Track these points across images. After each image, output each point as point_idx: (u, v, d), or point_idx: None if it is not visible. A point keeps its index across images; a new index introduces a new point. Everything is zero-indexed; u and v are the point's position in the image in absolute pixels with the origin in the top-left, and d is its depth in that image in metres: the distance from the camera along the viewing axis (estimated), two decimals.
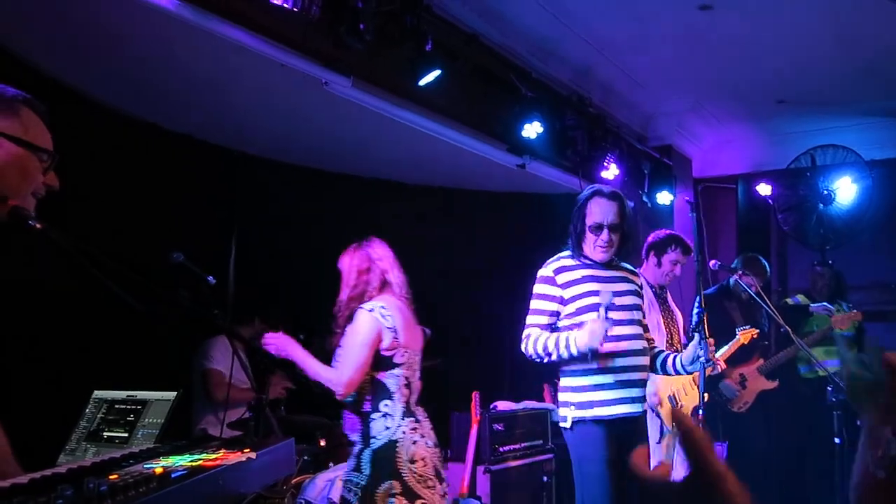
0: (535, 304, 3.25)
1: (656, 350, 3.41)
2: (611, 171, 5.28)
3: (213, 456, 1.51)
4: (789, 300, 5.80)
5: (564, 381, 3.22)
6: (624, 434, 3.08)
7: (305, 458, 3.97)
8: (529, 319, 3.25)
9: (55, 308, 3.47)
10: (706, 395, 4.24)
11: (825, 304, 5.06)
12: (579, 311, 3.12)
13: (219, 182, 4.70)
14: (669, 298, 4.12)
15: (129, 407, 2.23)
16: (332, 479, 3.60)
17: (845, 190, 6.12)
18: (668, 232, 4.31)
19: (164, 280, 2.72)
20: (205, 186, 4.60)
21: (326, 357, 3.06)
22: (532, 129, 4.54)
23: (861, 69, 5.24)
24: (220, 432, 3.72)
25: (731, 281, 5.03)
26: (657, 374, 3.42)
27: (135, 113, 4.16)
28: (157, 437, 2.20)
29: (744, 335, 4.26)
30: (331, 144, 4.87)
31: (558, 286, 3.19)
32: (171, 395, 2.22)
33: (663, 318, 4.09)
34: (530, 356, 3.21)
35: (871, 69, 5.23)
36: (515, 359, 6.20)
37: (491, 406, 5.00)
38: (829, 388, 4.47)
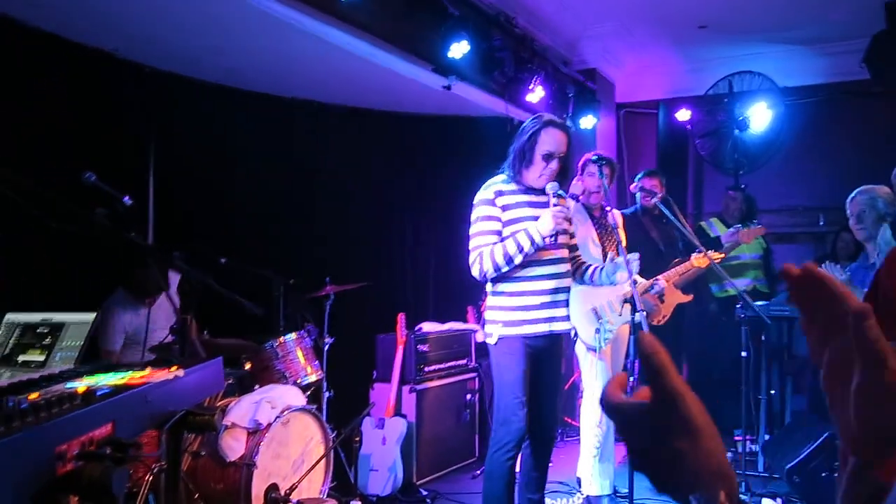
0: (480, 225, 3.26)
1: (582, 263, 3.52)
2: (536, 94, 5.27)
3: (140, 374, 1.48)
4: (703, 223, 6.02)
5: (492, 301, 3.31)
6: (543, 349, 3.27)
7: (230, 381, 3.94)
8: (476, 241, 3.25)
9: None
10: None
11: (731, 229, 5.27)
12: (512, 236, 3.18)
13: (131, 101, 4.46)
14: (611, 216, 4.14)
15: (44, 330, 2.14)
16: (258, 402, 3.60)
17: (760, 116, 6.31)
18: (595, 152, 4.39)
19: (78, 201, 2.61)
20: (116, 105, 4.37)
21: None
22: (458, 49, 4.46)
23: None
24: (142, 357, 3.65)
25: (652, 202, 5.15)
26: (578, 284, 3.52)
27: (35, 24, 3.87)
28: (76, 360, 2.13)
29: (698, 259, 4.37)
30: (248, 61, 4.67)
31: (498, 208, 3.23)
32: (90, 316, 2.14)
33: (598, 234, 4.22)
34: (484, 273, 3.21)
35: None
36: (440, 281, 6.29)
37: (416, 328, 5.07)
38: (738, 306, 4.70)
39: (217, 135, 4.78)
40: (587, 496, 4.31)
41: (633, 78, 6.88)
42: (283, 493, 3.55)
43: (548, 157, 3.19)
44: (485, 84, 5.05)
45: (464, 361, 5.32)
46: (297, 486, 3.60)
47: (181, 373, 1.48)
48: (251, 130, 5.02)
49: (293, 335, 4.18)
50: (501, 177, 3.32)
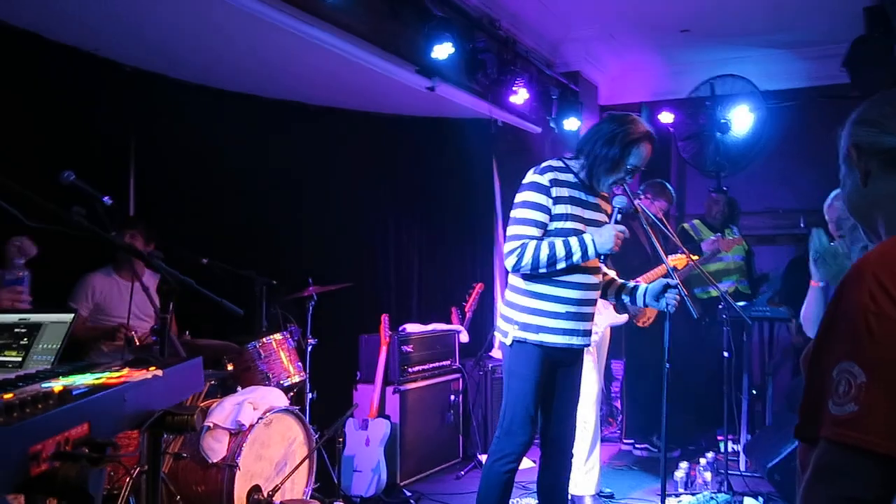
0: (526, 213, 2.96)
1: (614, 280, 3.32)
2: (520, 96, 5.29)
3: (118, 374, 1.46)
4: (686, 225, 6.06)
5: (512, 297, 3.08)
6: (560, 362, 3.09)
7: (213, 382, 3.92)
8: (519, 229, 2.95)
9: None
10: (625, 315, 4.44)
11: (712, 237, 5.31)
12: (556, 233, 2.95)
13: (111, 100, 4.43)
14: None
15: (21, 330, 2.12)
16: (241, 403, 3.58)
17: (741, 119, 6.36)
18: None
19: (57, 201, 2.58)
20: (96, 105, 4.33)
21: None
22: (442, 50, 4.47)
23: (761, 1, 5.39)
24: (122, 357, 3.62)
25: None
26: (616, 302, 3.35)
27: (13, 23, 3.83)
28: (53, 361, 2.10)
29: (676, 261, 4.40)
30: (230, 62, 4.64)
31: (552, 199, 2.95)
32: (68, 317, 2.11)
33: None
34: (520, 267, 2.94)
35: (770, 1, 5.39)
36: (423, 283, 6.29)
37: (399, 328, 5.06)
38: (721, 306, 4.73)
39: (198, 135, 4.75)
40: (571, 496, 4.32)
41: (616, 80, 6.91)
42: (265, 494, 3.54)
43: (632, 171, 2.98)
44: (468, 86, 5.07)
45: (448, 362, 5.32)
46: (279, 488, 3.59)
47: (160, 372, 1.47)
48: (233, 131, 4.99)
49: (276, 336, 4.16)
50: (558, 163, 3.05)
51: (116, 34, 4.10)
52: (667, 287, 3.09)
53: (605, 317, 4.30)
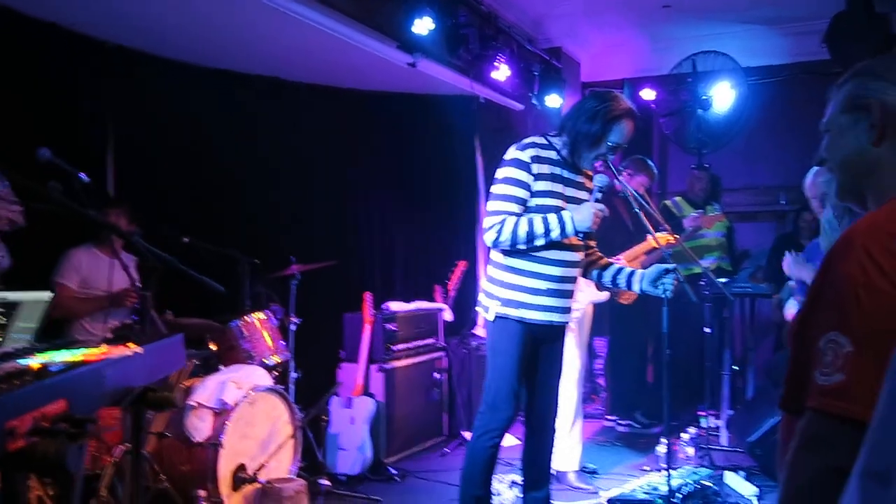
0: (506, 188, 2.96)
1: (599, 259, 3.30)
2: (501, 72, 5.25)
3: (96, 351, 1.45)
4: (668, 202, 6.08)
5: (494, 273, 3.09)
6: (542, 338, 3.10)
7: (196, 361, 3.90)
8: (499, 205, 2.96)
9: None
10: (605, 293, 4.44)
11: (694, 214, 5.33)
12: (537, 209, 2.95)
13: (89, 77, 4.35)
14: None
15: None
16: (224, 382, 3.57)
17: (723, 96, 6.37)
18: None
19: (34, 178, 2.54)
20: (73, 81, 4.25)
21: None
22: (423, 25, 4.42)
23: None
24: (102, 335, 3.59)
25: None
26: (590, 279, 3.35)
27: None
28: (31, 339, 2.08)
29: (660, 238, 4.41)
30: (208, 38, 4.57)
31: (532, 175, 2.95)
32: (46, 295, 2.09)
33: None
34: (499, 243, 2.95)
35: None
36: (406, 260, 6.28)
37: (383, 307, 5.06)
38: (702, 283, 4.76)
39: (177, 112, 4.69)
40: (555, 471, 4.36)
41: (598, 57, 6.88)
42: (250, 473, 3.54)
43: (614, 149, 2.98)
44: (450, 61, 5.02)
45: (432, 340, 5.33)
46: (265, 466, 3.59)
47: (140, 349, 1.45)
48: (213, 108, 4.92)
49: (259, 315, 4.14)
50: (540, 139, 3.04)
51: (95, 10, 4.02)
52: (665, 272, 3.08)
53: (587, 294, 4.31)
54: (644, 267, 4.62)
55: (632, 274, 3.19)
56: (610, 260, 3.35)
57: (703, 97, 6.37)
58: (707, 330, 4.73)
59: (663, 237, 4.43)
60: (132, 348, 1.46)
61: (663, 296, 3.11)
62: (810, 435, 1.05)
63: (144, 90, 4.60)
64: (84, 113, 4.29)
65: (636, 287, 3.16)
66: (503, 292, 3.04)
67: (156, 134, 4.67)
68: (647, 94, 6.63)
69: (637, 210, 3.28)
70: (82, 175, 2.77)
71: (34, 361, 1.29)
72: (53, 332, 3.42)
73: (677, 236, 4.38)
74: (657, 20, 6.21)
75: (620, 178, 4.47)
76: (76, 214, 2.16)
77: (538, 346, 3.13)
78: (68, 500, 1.15)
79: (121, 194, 4.33)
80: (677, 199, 6.10)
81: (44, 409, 1.08)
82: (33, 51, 4.01)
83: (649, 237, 4.39)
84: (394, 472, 4.54)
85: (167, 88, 4.67)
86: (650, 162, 5.18)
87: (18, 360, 1.31)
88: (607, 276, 3.25)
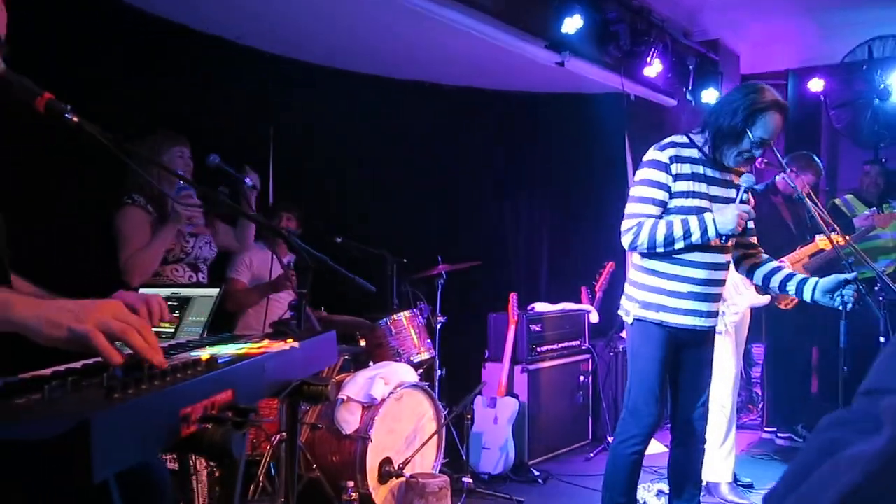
0: (644, 191, 2.88)
1: (758, 256, 3.13)
2: (654, 68, 5.09)
3: (258, 345, 1.53)
4: (837, 200, 5.64)
5: (634, 276, 3.04)
6: (685, 342, 2.99)
7: (346, 357, 4.06)
8: (637, 207, 2.89)
9: (88, 211, 3.49)
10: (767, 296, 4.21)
11: (866, 212, 4.91)
12: (678, 210, 2.84)
13: (252, 85, 4.62)
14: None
15: (173, 304, 2.28)
16: (373, 377, 3.68)
17: None
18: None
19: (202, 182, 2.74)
20: (238, 90, 4.54)
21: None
22: (572, 24, 4.36)
23: None
24: (263, 330, 3.82)
25: (778, 178, 4.89)
26: (746, 276, 3.19)
27: (166, 16, 4.07)
28: (201, 332, 2.24)
29: (822, 241, 4.14)
30: (363, 45, 4.74)
31: (671, 175, 2.85)
32: (214, 291, 2.25)
33: None
34: (636, 245, 2.88)
35: None
36: (553, 261, 6.22)
37: (528, 307, 5.03)
38: (877, 288, 4.37)
39: (331, 117, 4.89)
40: (707, 482, 4.16)
41: (759, 47, 6.49)
42: (396, 466, 3.63)
43: (760, 144, 2.81)
44: (600, 59, 4.92)
45: (577, 342, 5.24)
46: (409, 461, 3.67)
47: (296, 345, 1.52)
48: (366, 113, 5.10)
49: (406, 313, 4.24)
50: (681, 138, 2.95)
51: (255, 25, 4.27)
52: (845, 282, 2.84)
53: (747, 297, 4.08)
54: (809, 270, 4.34)
55: (803, 281, 2.96)
56: (776, 263, 3.14)
57: (881, 86, 5.85)
58: (882, 340, 4.33)
59: (823, 241, 4.13)
60: (290, 343, 1.52)
61: (841, 308, 2.86)
62: None
63: (301, 97, 4.84)
64: (251, 120, 4.57)
65: (807, 296, 2.94)
66: (642, 295, 2.97)
67: (311, 138, 4.90)
68: (815, 85, 6.19)
69: (812, 212, 3.05)
70: (247, 179, 2.96)
71: (204, 353, 1.37)
72: (220, 327, 3.68)
73: (847, 237, 4.05)
74: (827, 4, 5.76)
75: (783, 175, 4.21)
76: (246, 217, 2.29)
77: (681, 350, 3.01)
78: (232, 483, 1.22)
79: (280, 196, 4.57)
80: (848, 196, 5.65)
81: (213, 398, 1.14)
82: (207, 68, 4.30)
83: (816, 238, 4.10)
84: (537, 473, 4.51)
85: (320, 94, 4.89)
86: (816, 158, 4.83)
87: (191, 352, 1.40)
88: (774, 281, 3.04)
